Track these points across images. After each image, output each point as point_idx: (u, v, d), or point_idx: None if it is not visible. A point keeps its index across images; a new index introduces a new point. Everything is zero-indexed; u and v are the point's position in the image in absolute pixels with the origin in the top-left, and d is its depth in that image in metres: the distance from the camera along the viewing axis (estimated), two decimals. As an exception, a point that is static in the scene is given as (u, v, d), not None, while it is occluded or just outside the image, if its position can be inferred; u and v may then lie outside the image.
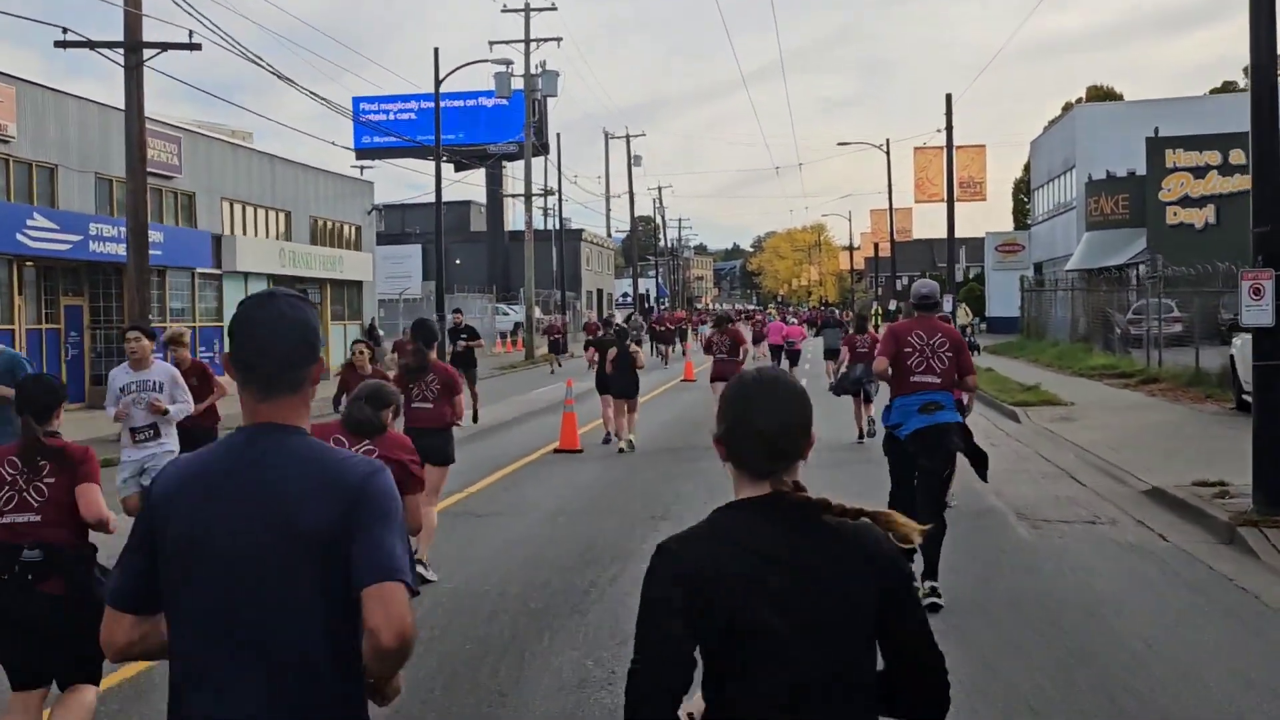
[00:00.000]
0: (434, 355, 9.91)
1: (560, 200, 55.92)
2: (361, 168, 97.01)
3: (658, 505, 12.40)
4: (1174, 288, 38.22)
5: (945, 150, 33.13)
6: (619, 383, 17.34)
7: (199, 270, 29.97)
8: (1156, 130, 43.45)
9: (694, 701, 2.53)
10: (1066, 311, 44.84)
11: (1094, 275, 46.44)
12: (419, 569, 8.64)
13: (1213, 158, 42.22)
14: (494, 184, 69.75)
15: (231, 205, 32.44)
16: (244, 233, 32.72)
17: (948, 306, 34.30)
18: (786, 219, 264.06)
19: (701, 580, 2.38)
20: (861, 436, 17.38)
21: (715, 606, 2.38)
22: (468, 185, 74.39)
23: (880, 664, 2.51)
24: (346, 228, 39.68)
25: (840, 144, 53.21)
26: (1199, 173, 42.32)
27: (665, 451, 17.10)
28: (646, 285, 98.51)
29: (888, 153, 56.90)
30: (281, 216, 35.41)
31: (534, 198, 48.99)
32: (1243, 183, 41.96)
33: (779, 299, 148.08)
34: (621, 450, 16.87)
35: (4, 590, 4.89)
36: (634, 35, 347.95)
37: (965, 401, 9.42)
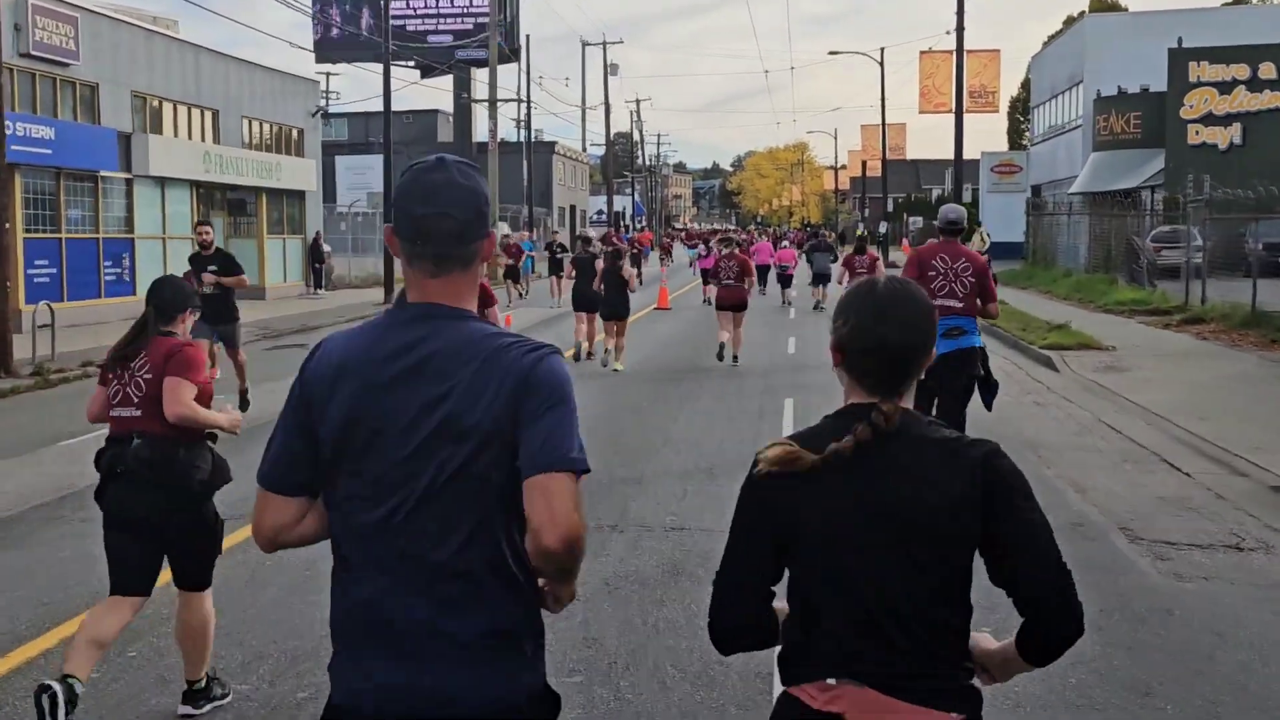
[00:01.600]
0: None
1: (529, 109, 51.78)
2: (328, 74, 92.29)
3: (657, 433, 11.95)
4: (1186, 213, 35.03)
5: (955, 55, 29.36)
6: (609, 302, 16.84)
7: (103, 174, 26.02)
8: (1180, 41, 39.68)
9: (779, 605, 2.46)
10: (1077, 238, 41.47)
11: (1101, 199, 43.04)
12: None
13: (1240, 71, 38.62)
14: (462, 91, 65.43)
15: (146, 101, 28.41)
16: (160, 132, 28.72)
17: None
18: (769, 138, 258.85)
19: (779, 503, 2.36)
20: None
21: (788, 527, 2.36)
22: (436, 91, 69.98)
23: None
24: (287, 131, 35.64)
25: (832, 53, 49.54)
26: (1225, 88, 38.73)
27: (658, 375, 16.23)
28: (623, 203, 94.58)
29: (881, 63, 53.08)
30: (207, 116, 31.36)
31: (500, 104, 44.89)
32: (1273, 99, 38.45)
33: (758, 219, 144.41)
34: (616, 370, 16.57)
35: (119, 484, 4.91)
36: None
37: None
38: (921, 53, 32.21)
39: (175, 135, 29.54)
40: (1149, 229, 39.44)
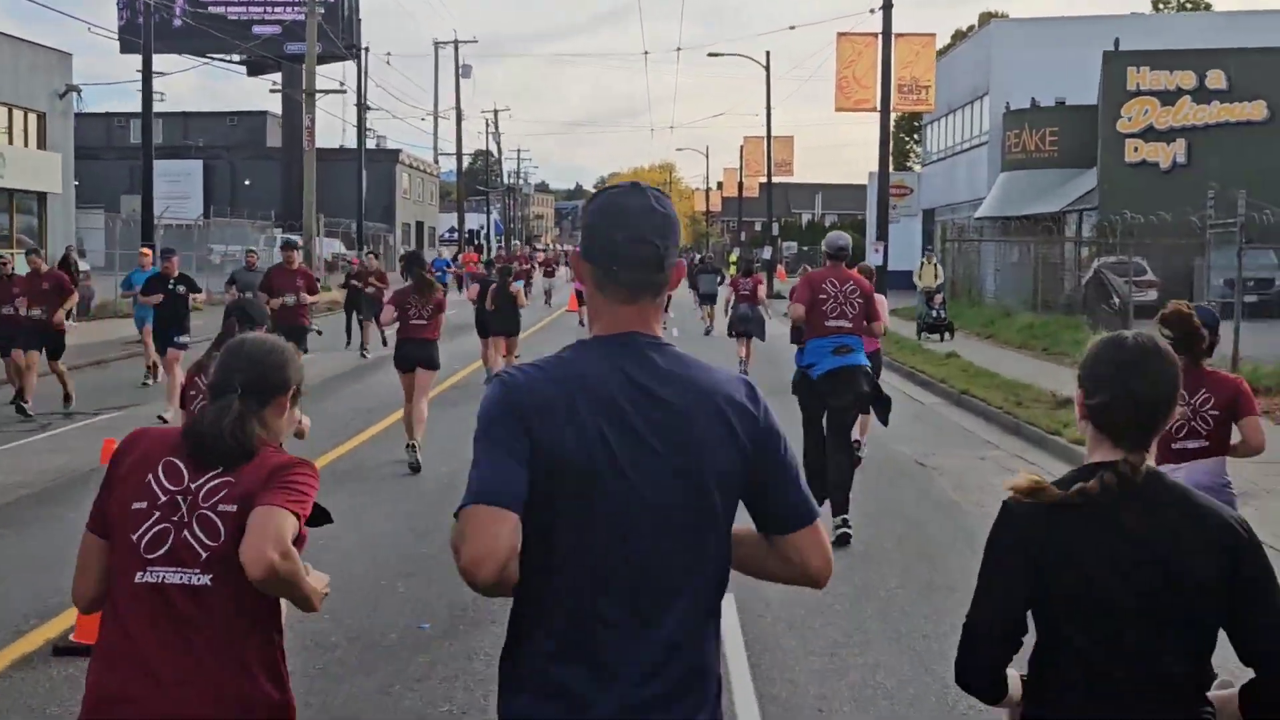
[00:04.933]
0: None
1: (361, 104, 44.20)
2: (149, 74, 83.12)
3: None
4: (1126, 241, 29.71)
5: (881, 39, 23.19)
6: (500, 321, 17.16)
7: None
8: (1116, 43, 34.35)
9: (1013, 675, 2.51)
10: (1005, 271, 35.91)
11: (1016, 225, 37.59)
12: (414, 453, 11.16)
13: (1186, 79, 33.50)
14: (294, 90, 57.60)
15: None
16: None
17: (877, 260, 24.64)
18: (640, 157, 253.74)
19: (1036, 547, 2.40)
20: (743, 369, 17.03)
21: (1061, 575, 2.39)
22: (260, 91, 62.02)
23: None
24: (21, 115, 27.61)
25: (711, 54, 43.73)
26: (1167, 98, 33.57)
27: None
28: (480, 221, 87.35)
29: (767, 67, 47.12)
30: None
31: (321, 95, 37.43)
32: (1223, 112, 33.31)
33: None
34: None
35: None
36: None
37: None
38: (840, 34, 26.13)
39: None
40: (1080, 260, 34.07)
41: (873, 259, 24.28)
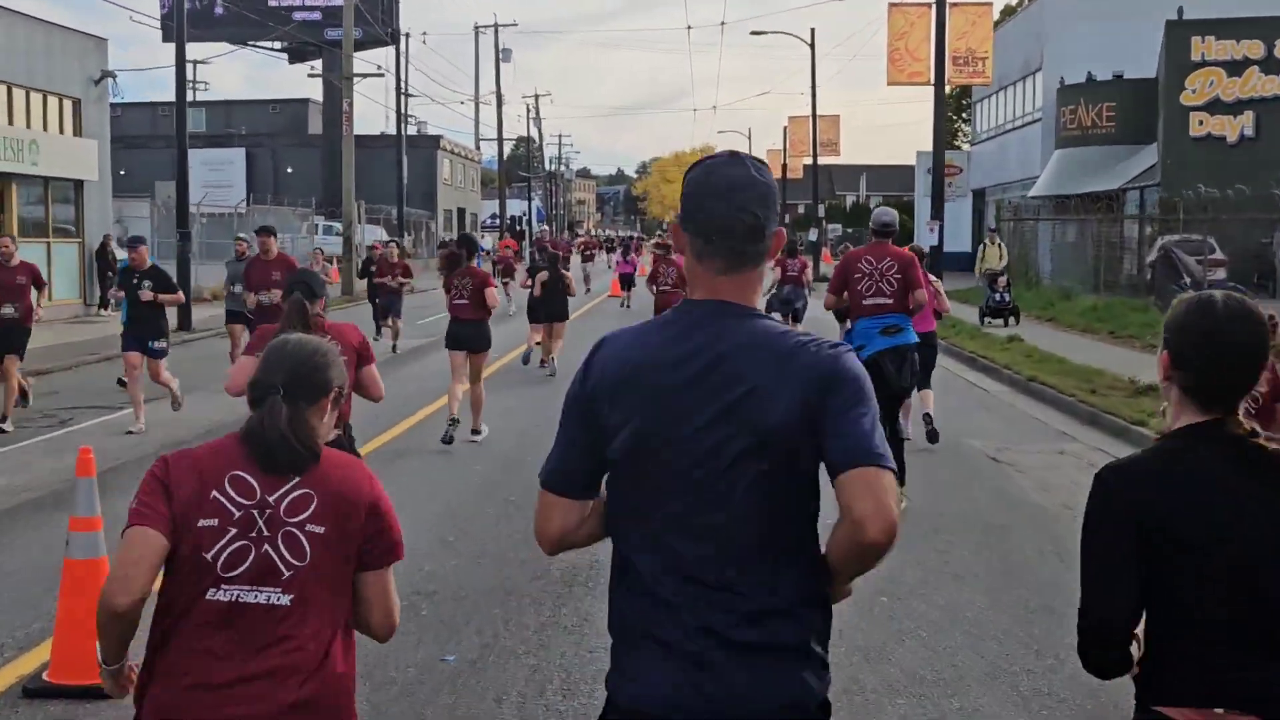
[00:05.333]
0: (473, 263, 12.17)
1: (401, 90, 43.53)
2: (195, 62, 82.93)
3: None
4: (1196, 218, 28.51)
5: (935, 8, 22.08)
6: (547, 307, 17.00)
7: None
8: (1180, 11, 32.92)
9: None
10: (1061, 251, 34.72)
11: (1070, 203, 36.34)
12: (476, 436, 11.43)
13: (1254, 49, 32.08)
14: (334, 76, 57.08)
15: None
16: None
17: (935, 242, 23.58)
18: (682, 141, 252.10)
19: (1152, 514, 2.33)
20: None
21: (1162, 540, 2.33)
22: (309, 79, 61.58)
23: None
24: (56, 101, 27.05)
25: (754, 32, 42.56)
26: (1234, 68, 32.14)
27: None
28: (522, 207, 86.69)
29: (811, 44, 45.98)
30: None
31: (360, 79, 36.77)
32: (1295, 82, 31.99)
33: (664, 226, 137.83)
34: (552, 375, 16.50)
35: None
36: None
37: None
38: (891, 4, 25.01)
39: None
40: (1145, 238, 32.83)
41: (927, 239, 23.26)
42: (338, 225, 43.94)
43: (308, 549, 2.69)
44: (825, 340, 2.35)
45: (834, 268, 9.37)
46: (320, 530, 2.70)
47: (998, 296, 23.56)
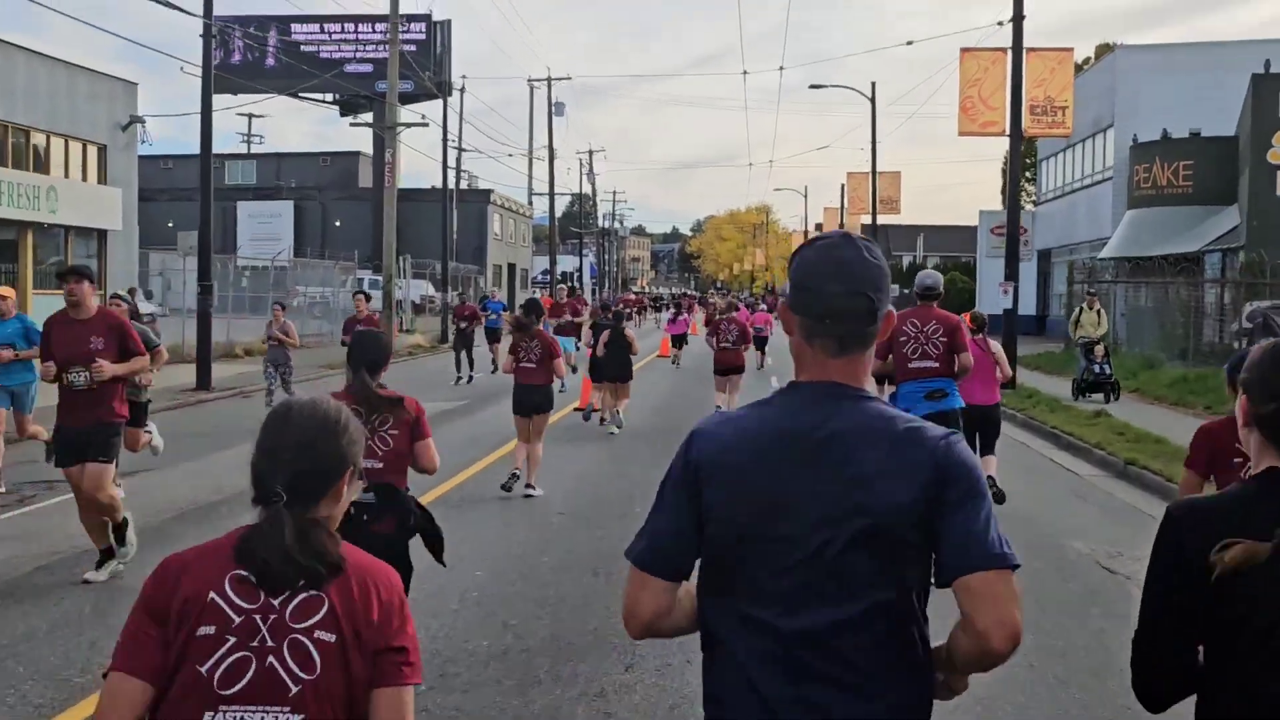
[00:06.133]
0: (540, 326, 12.29)
1: (446, 138, 42.48)
2: (250, 115, 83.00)
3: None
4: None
5: (1011, 53, 20.34)
6: (611, 366, 16.90)
7: None
8: (1267, 65, 31.11)
9: None
10: (1138, 316, 32.76)
11: (1143, 265, 34.40)
12: (532, 491, 11.64)
13: (1345, 105, 30.13)
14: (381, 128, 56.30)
15: None
16: None
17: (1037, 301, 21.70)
18: (736, 199, 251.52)
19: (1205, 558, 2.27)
20: None
21: (1225, 589, 2.26)
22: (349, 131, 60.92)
23: None
24: (79, 147, 26.01)
25: (814, 86, 41.43)
26: (1325, 126, 30.21)
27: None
28: (574, 262, 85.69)
29: (873, 99, 44.47)
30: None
31: (404, 128, 35.69)
32: (1388, 141, 30.01)
33: (718, 284, 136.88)
34: (612, 433, 16.53)
35: (341, 530, 4.15)
36: (570, 13, 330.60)
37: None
38: (963, 50, 23.28)
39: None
40: (1227, 303, 30.80)
41: (1001, 301, 21.47)
42: (372, 276, 42.80)
43: (317, 660, 2.31)
44: (935, 426, 2.31)
45: None
46: (331, 639, 2.33)
47: (1097, 368, 20.35)
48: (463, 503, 11.43)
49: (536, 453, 11.95)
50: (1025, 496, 11.69)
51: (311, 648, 2.32)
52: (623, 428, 16.75)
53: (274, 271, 41.09)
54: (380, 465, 5.47)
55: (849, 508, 2.20)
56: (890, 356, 8.81)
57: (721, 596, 2.32)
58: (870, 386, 2.40)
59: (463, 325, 25.36)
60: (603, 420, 17.20)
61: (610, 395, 17.08)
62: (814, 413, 2.28)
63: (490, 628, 7.27)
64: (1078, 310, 20.79)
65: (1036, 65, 23.20)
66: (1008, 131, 22.14)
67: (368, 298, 20.16)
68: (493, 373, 24.11)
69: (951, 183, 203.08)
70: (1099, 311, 20.64)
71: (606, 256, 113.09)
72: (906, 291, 73.23)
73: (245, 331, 32.40)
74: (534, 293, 59.31)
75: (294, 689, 2.30)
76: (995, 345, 11.42)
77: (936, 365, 8.75)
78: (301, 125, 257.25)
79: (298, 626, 2.32)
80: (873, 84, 43.46)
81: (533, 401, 11.84)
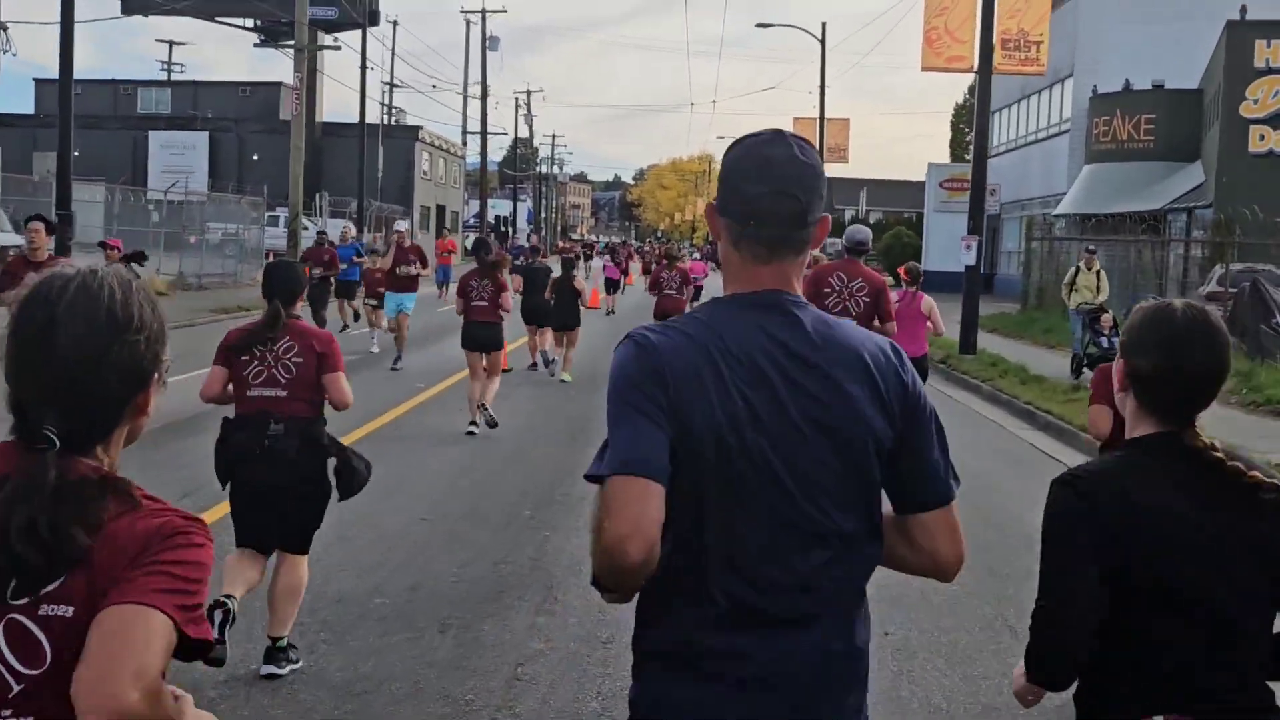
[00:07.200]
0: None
1: (364, 64, 39.56)
2: (170, 42, 78.88)
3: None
4: (1259, 242, 24.92)
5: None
6: (560, 314, 16.70)
7: None
8: (1243, 11, 29.14)
9: None
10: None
11: (1103, 223, 32.57)
12: (486, 412, 12.09)
13: (1326, 55, 28.30)
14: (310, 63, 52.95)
15: None
16: None
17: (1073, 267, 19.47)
18: (674, 150, 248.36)
19: (1113, 525, 2.29)
20: None
21: (1129, 554, 2.29)
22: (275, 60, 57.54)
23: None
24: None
25: (760, 25, 38.84)
26: (1302, 77, 28.40)
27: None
28: (508, 208, 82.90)
29: (822, 40, 42.15)
30: None
31: (323, 50, 32.80)
32: (1369, 95, 28.27)
33: (659, 233, 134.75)
34: (564, 381, 16.28)
35: (253, 461, 5.32)
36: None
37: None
38: (932, -25, 21.15)
39: None
40: (1193, 264, 29.02)
41: (963, 258, 19.33)
42: (279, 213, 39.97)
43: (46, 646, 1.72)
44: (887, 341, 2.25)
45: (805, 278, 8.16)
46: (66, 613, 1.73)
47: (1105, 341, 16.40)
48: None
49: (493, 386, 12.32)
50: (1013, 495, 9.63)
51: (38, 632, 1.74)
52: (569, 378, 16.43)
53: (183, 205, 38.05)
54: (284, 394, 5.34)
55: (820, 426, 2.12)
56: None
57: (683, 522, 2.09)
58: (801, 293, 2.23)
59: (316, 274, 18.97)
60: (549, 364, 17.19)
61: (560, 344, 17.02)
62: (753, 323, 2.14)
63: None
64: (1072, 271, 18.37)
65: (1009, -4, 20.99)
66: (976, 68, 19.90)
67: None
68: (343, 329, 20.26)
69: (899, 137, 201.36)
70: (1099, 273, 18.12)
71: (545, 202, 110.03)
72: (842, 242, 71.40)
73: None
74: (488, 235, 56.66)
75: (15, 688, 1.75)
76: (928, 300, 11.21)
77: (854, 322, 8.41)
78: (232, 57, 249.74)
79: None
80: (823, 24, 41.14)
81: (486, 335, 12.23)
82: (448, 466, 10.41)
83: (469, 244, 39.39)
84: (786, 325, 2.12)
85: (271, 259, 19.03)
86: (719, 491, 2.07)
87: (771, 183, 2.13)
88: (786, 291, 2.17)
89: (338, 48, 36.23)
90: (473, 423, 11.94)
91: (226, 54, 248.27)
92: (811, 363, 2.10)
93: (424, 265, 18.11)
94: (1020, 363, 17.52)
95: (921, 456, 2.16)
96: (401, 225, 18.64)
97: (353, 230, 23.79)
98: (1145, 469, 2.31)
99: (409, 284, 17.49)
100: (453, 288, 32.57)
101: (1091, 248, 18.73)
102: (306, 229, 33.36)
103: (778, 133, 2.22)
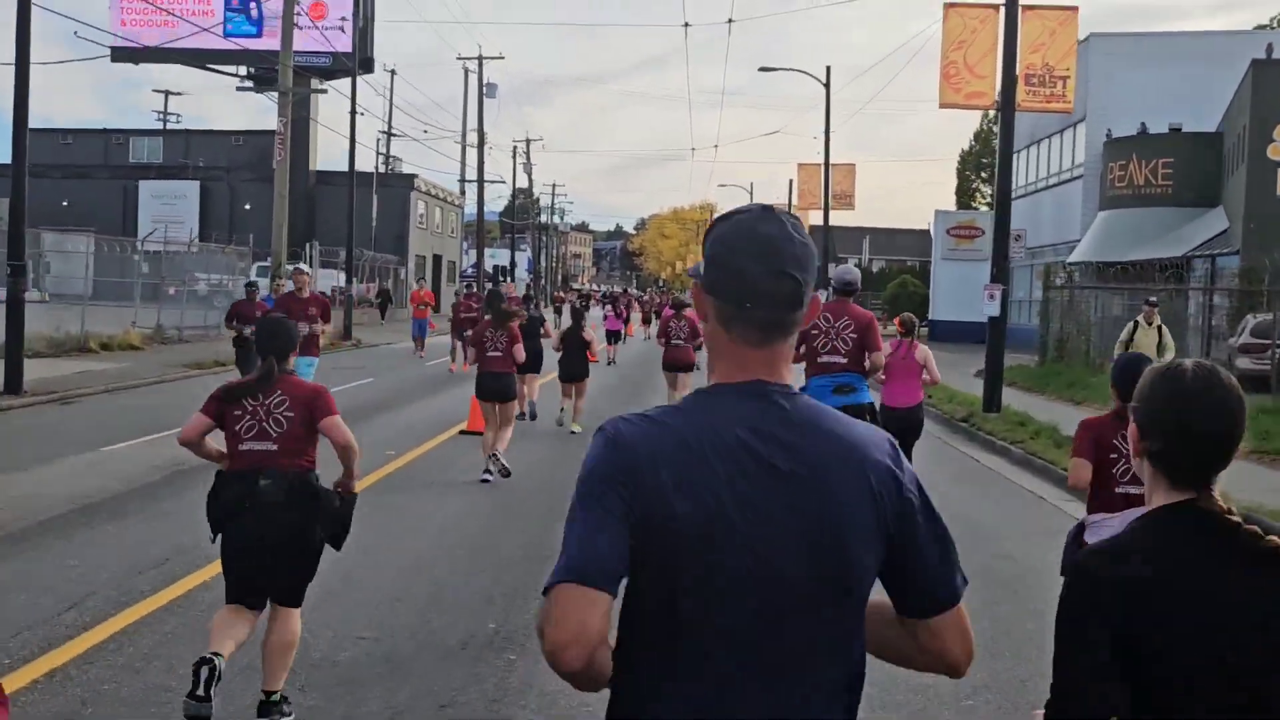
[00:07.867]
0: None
1: (354, 109, 38.38)
2: (166, 92, 78.05)
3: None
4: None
5: (1005, 8, 16.62)
6: (568, 365, 16.89)
7: None
8: (1269, 50, 27.89)
9: None
10: (1108, 326, 29.43)
11: (1121, 271, 31.14)
12: (498, 461, 12.19)
13: (1356, 97, 27.02)
14: (302, 110, 51.89)
15: None
16: None
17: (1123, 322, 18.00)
18: (676, 200, 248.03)
19: (1124, 604, 2.15)
20: None
21: (1139, 636, 2.16)
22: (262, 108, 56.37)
23: None
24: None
25: (763, 69, 37.72)
26: (1331, 119, 27.08)
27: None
28: (507, 256, 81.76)
29: (827, 84, 41.00)
30: None
31: (299, 93, 31.61)
32: (1402, 138, 26.94)
33: (660, 283, 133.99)
34: (574, 432, 16.39)
35: (243, 515, 5.34)
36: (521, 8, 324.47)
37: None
38: (947, 5, 19.69)
39: None
40: (1219, 313, 27.61)
41: (987, 308, 17.84)
42: (262, 264, 38.57)
43: None
44: (880, 432, 2.13)
45: None
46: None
47: None
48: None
49: (505, 434, 12.50)
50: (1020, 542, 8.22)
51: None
52: (579, 429, 16.45)
53: (167, 256, 36.69)
54: (275, 447, 5.34)
55: (806, 524, 2.02)
56: (802, 348, 8.93)
57: (658, 619, 2.02)
58: (791, 379, 2.12)
59: (246, 333, 15.43)
60: (533, 416, 17.15)
61: (568, 396, 17.02)
62: (738, 417, 2.03)
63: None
64: (1130, 327, 16.56)
65: (1034, 26, 19.69)
66: (997, 103, 18.51)
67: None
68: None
69: (900, 186, 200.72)
70: (1160, 328, 16.34)
71: (546, 252, 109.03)
72: (830, 283, 70.18)
73: (107, 321, 28.22)
74: (480, 285, 55.47)
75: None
76: (924, 350, 11.20)
77: (844, 360, 9.08)
78: (231, 108, 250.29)
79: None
80: (827, 68, 39.93)
81: (500, 386, 12.43)
82: (406, 560, 8.84)
83: (459, 293, 38.04)
84: (772, 418, 2.01)
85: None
86: (695, 593, 1.96)
87: (770, 263, 2.04)
88: (775, 381, 2.07)
89: (324, 91, 35.09)
90: (487, 470, 12.14)
91: (225, 104, 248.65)
92: (797, 458, 1.98)
93: (325, 321, 14.94)
94: (1051, 422, 15.99)
95: (921, 559, 2.04)
96: (303, 268, 16.30)
97: (287, 284, 18.49)
98: (1162, 543, 2.20)
99: (306, 345, 12.97)
100: (430, 343, 31.28)
101: (1153, 299, 17.08)
102: (280, 280, 31.32)
103: (766, 209, 2.13)
